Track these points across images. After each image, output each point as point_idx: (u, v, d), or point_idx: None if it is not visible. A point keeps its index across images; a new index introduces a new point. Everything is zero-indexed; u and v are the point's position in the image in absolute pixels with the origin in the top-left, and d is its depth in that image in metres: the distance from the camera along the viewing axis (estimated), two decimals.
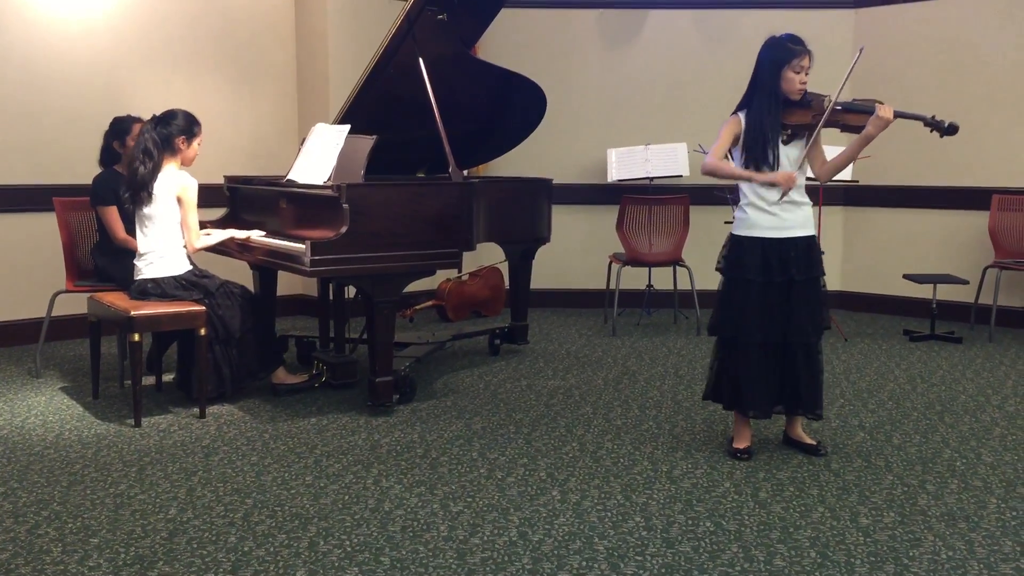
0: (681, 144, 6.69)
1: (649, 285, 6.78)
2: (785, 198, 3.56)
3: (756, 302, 3.59)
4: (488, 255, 6.65)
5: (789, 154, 3.59)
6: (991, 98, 6.45)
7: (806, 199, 3.65)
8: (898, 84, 6.71)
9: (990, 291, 6.12)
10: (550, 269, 6.86)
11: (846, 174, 6.12)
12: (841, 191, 6.97)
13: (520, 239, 5.43)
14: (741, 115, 3.61)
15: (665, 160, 6.69)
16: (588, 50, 7.19)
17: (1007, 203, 6.27)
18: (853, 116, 3.57)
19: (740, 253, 3.64)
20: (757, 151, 3.55)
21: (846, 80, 3.50)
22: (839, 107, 3.53)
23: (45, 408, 4.34)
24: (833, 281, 7.12)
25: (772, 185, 3.55)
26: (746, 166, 3.58)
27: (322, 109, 6.44)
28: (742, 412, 3.71)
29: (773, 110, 3.54)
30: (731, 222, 6.65)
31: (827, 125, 3.55)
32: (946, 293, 6.34)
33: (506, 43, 6.89)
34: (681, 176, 6.68)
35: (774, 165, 3.55)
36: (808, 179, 3.76)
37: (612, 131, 7.11)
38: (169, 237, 4.29)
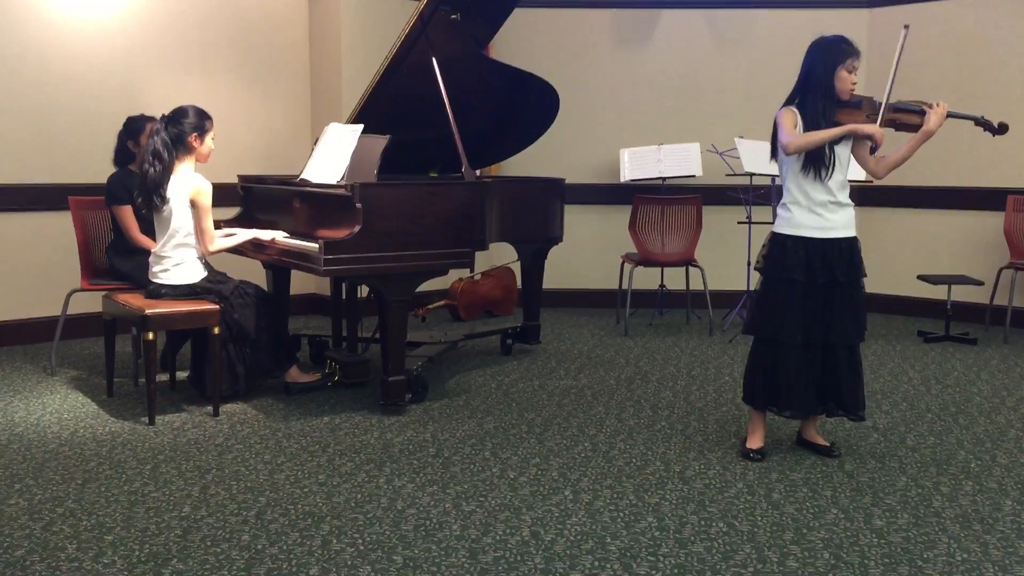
0: (694, 144, 6.67)
1: (661, 285, 6.77)
2: (831, 198, 3.55)
3: (798, 303, 3.57)
4: (500, 255, 6.66)
5: (840, 155, 3.57)
6: (1006, 98, 6.41)
7: (849, 200, 3.63)
8: (913, 84, 6.65)
9: (1005, 292, 6.09)
10: (562, 269, 6.86)
11: (860, 174, 6.09)
12: (856, 191, 6.87)
13: (532, 239, 5.43)
14: (794, 108, 3.58)
15: (678, 160, 6.68)
16: (601, 50, 7.18)
17: (1022, 204, 6.23)
18: (906, 115, 3.60)
19: (783, 252, 3.61)
20: (815, 152, 3.52)
21: (897, 61, 3.51)
22: (892, 107, 3.54)
23: (60, 406, 4.37)
24: None
25: (867, 138, 3.53)
26: (805, 168, 3.54)
27: (335, 109, 6.46)
28: (778, 412, 3.68)
29: (829, 110, 3.54)
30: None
31: (883, 125, 3.56)
32: (961, 294, 6.31)
33: (519, 43, 6.89)
34: (694, 176, 6.67)
35: (831, 167, 3.53)
36: (851, 181, 3.75)
37: (625, 131, 7.10)
38: (186, 244, 4.27)
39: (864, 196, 7.04)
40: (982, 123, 3.58)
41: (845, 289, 3.59)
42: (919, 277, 6.29)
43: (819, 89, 3.54)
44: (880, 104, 3.55)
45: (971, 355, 5.62)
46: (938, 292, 6.33)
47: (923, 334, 6.15)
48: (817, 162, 3.52)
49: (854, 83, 3.56)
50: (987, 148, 6.48)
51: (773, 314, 3.63)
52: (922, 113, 3.56)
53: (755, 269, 3.75)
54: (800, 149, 3.51)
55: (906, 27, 3.60)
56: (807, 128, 3.54)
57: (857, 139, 3.61)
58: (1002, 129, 3.58)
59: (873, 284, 7.10)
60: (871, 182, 6.38)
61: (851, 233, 3.63)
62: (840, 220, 3.59)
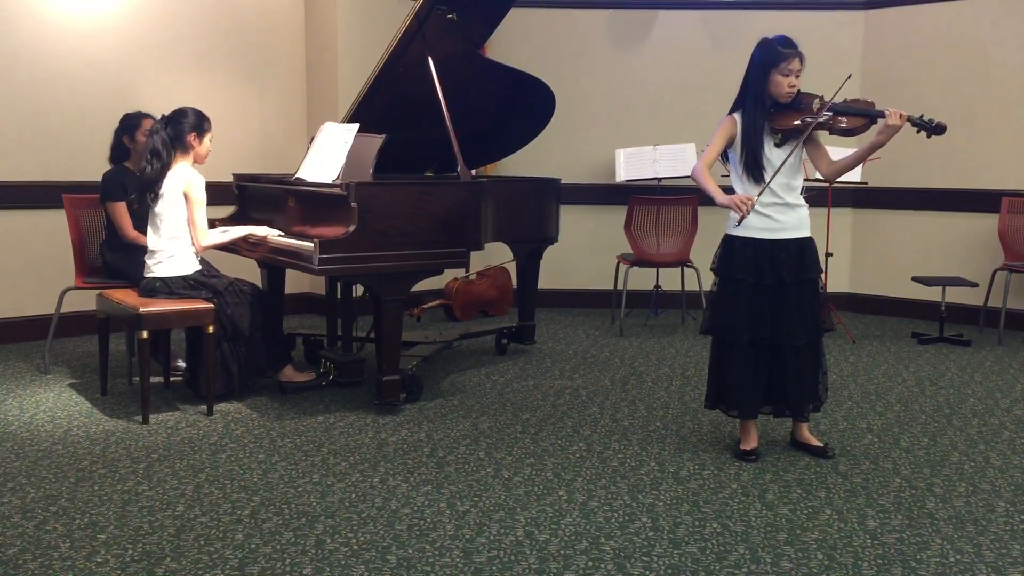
0: (690, 145, 6.68)
1: (657, 286, 6.77)
2: (777, 200, 3.54)
3: (745, 302, 3.59)
4: (496, 255, 6.65)
5: (783, 158, 3.55)
6: (1001, 100, 6.43)
7: (801, 201, 3.63)
8: (907, 87, 6.69)
9: (999, 294, 6.10)
10: (558, 269, 6.86)
11: (855, 176, 6.10)
12: (850, 193, 6.95)
13: (528, 239, 5.43)
14: (736, 116, 3.60)
15: (674, 160, 6.68)
16: (597, 50, 7.18)
17: (1017, 206, 6.24)
18: (845, 119, 3.52)
19: (731, 253, 3.64)
20: (750, 156, 3.55)
21: (833, 97, 3.48)
22: (830, 110, 3.50)
23: (54, 404, 4.36)
24: (841, 283, 7.11)
25: (726, 207, 3.53)
26: (745, 171, 3.57)
27: (331, 108, 6.45)
28: (725, 411, 3.73)
29: (760, 114, 3.54)
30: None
31: (817, 128, 3.53)
32: (955, 296, 6.32)
33: (515, 43, 6.89)
34: (690, 176, 6.66)
35: (767, 169, 3.53)
36: (814, 180, 3.75)
37: (621, 131, 7.10)
38: (179, 236, 4.29)
39: (859, 198, 7.07)
40: (917, 123, 3.43)
41: (794, 290, 3.59)
42: (913, 279, 6.30)
43: (752, 93, 3.55)
44: (820, 106, 3.49)
45: (965, 357, 5.63)
46: (932, 294, 6.34)
47: (917, 335, 6.16)
48: (751, 167, 3.54)
49: (792, 86, 3.52)
50: (982, 150, 6.51)
51: (723, 314, 3.66)
52: (866, 116, 3.50)
53: (710, 270, 3.76)
54: (695, 181, 3.67)
55: (849, 76, 3.60)
56: (743, 134, 3.55)
57: (810, 141, 3.58)
58: (939, 129, 3.42)
59: (867, 285, 7.16)
60: (865, 184, 6.41)
61: (803, 234, 3.62)
62: (790, 221, 3.59)
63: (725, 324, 3.65)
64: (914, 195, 6.86)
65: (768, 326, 3.59)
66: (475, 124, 5.12)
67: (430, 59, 4.58)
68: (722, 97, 6.91)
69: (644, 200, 6.33)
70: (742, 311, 3.59)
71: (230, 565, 2.72)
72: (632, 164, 6.74)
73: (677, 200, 6.29)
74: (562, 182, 5.56)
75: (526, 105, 5.35)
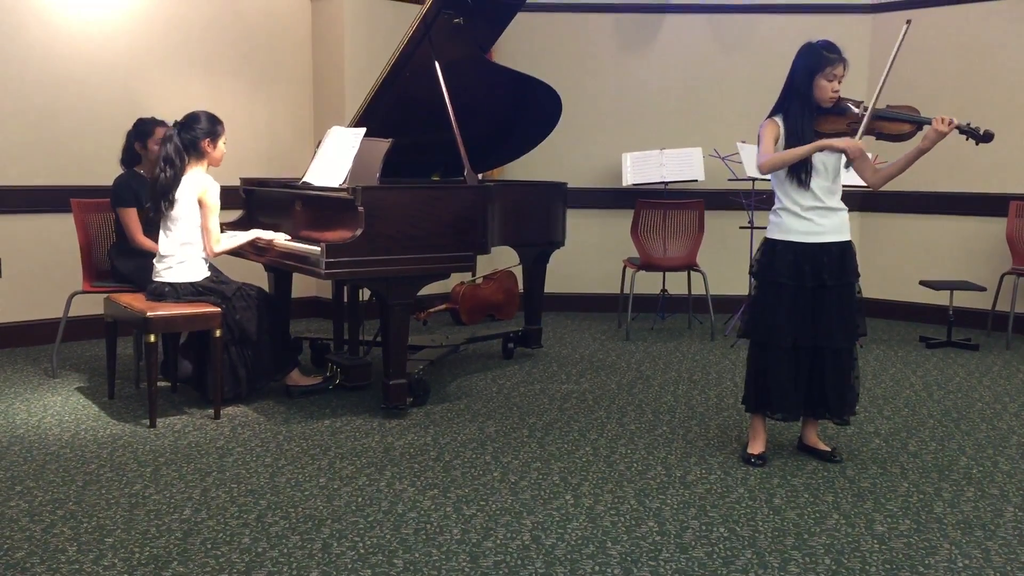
0: (696, 149, 6.68)
1: (663, 290, 6.77)
2: (818, 203, 3.54)
3: (787, 306, 3.59)
4: (502, 259, 6.66)
5: (826, 162, 3.55)
6: (1009, 104, 6.41)
7: (841, 205, 3.63)
8: (915, 90, 6.66)
9: (1007, 298, 6.08)
10: (564, 273, 6.86)
11: (859, 179, 6.08)
12: (858, 197, 6.93)
13: (534, 243, 5.43)
14: (778, 119, 3.59)
15: (680, 165, 6.68)
16: (604, 54, 7.19)
17: None
18: (889, 124, 3.54)
19: (773, 257, 3.63)
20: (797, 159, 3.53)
21: (894, 57, 3.45)
22: (875, 116, 3.50)
23: (61, 408, 4.37)
24: None
25: (840, 153, 3.49)
26: (788, 175, 3.55)
27: (338, 112, 6.47)
28: (768, 415, 3.70)
29: (807, 118, 3.53)
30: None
31: (867, 133, 3.53)
32: (963, 300, 6.30)
33: (522, 47, 6.90)
34: (696, 181, 6.67)
35: (809, 173, 3.53)
36: (846, 185, 3.73)
37: (627, 135, 7.10)
38: (190, 242, 4.29)
39: (867, 202, 7.05)
40: (966, 131, 3.45)
41: (834, 293, 3.60)
42: (921, 283, 6.29)
43: (797, 97, 3.55)
44: (863, 112, 3.51)
45: (973, 361, 5.62)
46: (940, 298, 6.33)
47: (925, 339, 6.15)
48: (797, 169, 3.53)
49: (835, 91, 3.53)
50: (989, 154, 6.47)
51: (763, 318, 3.65)
52: (913, 122, 3.52)
53: (749, 274, 3.76)
54: (772, 168, 3.56)
55: (908, 22, 3.56)
56: (788, 137, 3.55)
57: None
58: (987, 137, 3.45)
59: (875, 289, 7.14)
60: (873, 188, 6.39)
61: (843, 237, 3.63)
62: (831, 225, 3.59)
63: (767, 327, 3.64)
64: (922, 199, 6.85)
65: (810, 329, 3.59)
66: (482, 128, 5.12)
67: (437, 63, 4.58)
68: (729, 101, 6.98)
69: (651, 204, 6.33)
70: (783, 315, 3.59)
71: (237, 569, 2.72)
72: (639, 168, 6.74)
73: (684, 204, 6.28)
74: (569, 186, 5.57)
75: (533, 109, 5.35)
